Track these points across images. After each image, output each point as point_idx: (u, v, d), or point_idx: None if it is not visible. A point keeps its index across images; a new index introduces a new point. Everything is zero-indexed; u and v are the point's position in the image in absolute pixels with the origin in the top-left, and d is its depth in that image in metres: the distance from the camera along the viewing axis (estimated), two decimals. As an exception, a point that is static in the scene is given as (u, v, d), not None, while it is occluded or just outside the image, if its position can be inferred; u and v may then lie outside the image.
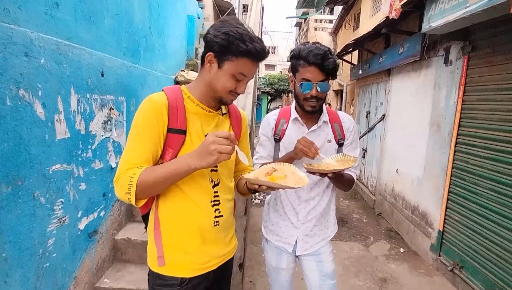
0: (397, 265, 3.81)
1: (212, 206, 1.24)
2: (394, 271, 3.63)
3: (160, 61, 3.89)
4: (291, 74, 1.57)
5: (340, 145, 1.64)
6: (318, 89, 1.45)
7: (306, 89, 1.46)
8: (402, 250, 4.21)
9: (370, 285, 3.30)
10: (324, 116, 1.62)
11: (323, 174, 1.37)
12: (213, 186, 1.25)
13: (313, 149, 1.38)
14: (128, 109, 2.90)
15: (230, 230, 1.38)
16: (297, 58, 1.48)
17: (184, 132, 1.15)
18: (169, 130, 1.13)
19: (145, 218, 1.33)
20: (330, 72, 1.46)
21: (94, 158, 2.39)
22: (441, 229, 3.61)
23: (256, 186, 1.15)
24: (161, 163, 1.15)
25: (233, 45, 1.07)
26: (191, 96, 1.20)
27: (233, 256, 1.43)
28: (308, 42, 1.50)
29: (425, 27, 3.32)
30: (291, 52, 1.53)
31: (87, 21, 2.23)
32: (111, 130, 2.61)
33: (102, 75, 2.41)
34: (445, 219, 3.58)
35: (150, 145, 1.12)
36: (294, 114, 1.63)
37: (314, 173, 1.38)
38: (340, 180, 1.57)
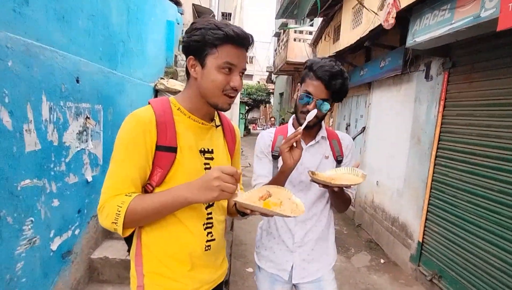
0: (378, 276, 3.81)
1: (205, 229, 1.13)
2: (376, 282, 3.63)
3: (139, 67, 3.72)
4: (298, 83, 1.50)
5: (339, 162, 1.56)
6: (317, 105, 1.38)
7: (304, 102, 1.40)
8: (382, 261, 4.23)
9: (354, 299, 3.27)
10: (323, 132, 1.55)
11: (326, 186, 1.28)
12: (207, 207, 1.13)
13: (295, 137, 1.24)
14: (105, 119, 2.73)
15: (221, 252, 1.27)
16: (308, 68, 1.43)
17: (174, 150, 1.03)
18: (158, 148, 1.02)
19: (128, 241, 1.19)
20: (335, 93, 1.39)
21: (68, 172, 2.21)
22: (420, 240, 3.65)
23: (248, 211, 1.03)
24: (149, 184, 1.04)
25: (207, 36, 0.98)
26: (181, 107, 1.08)
27: (224, 279, 1.31)
28: (327, 58, 1.43)
29: (410, 42, 3.37)
30: (305, 62, 1.49)
31: (59, 20, 2.06)
32: (87, 141, 2.43)
33: (78, 81, 2.25)
34: (424, 230, 3.63)
35: (138, 167, 1.00)
36: (292, 130, 1.54)
37: (318, 183, 1.30)
38: (340, 198, 1.47)
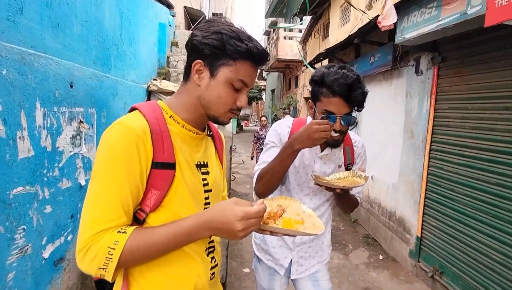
0: (377, 273, 3.82)
1: (207, 254, 0.98)
2: (375, 280, 3.64)
3: (132, 70, 3.71)
4: (310, 100, 1.41)
5: (348, 170, 1.54)
6: (342, 123, 1.29)
7: None
8: (381, 257, 4.25)
9: (354, 295, 3.28)
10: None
11: (330, 189, 1.28)
12: None
13: (329, 127, 1.21)
14: (98, 122, 2.71)
15: (219, 279, 1.12)
16: (319, 84, 1.30)
17: (173, 166, 0.87)
18: (155, 165, 0.84)
19: (103, 285, 0.94)
20: (357, 104, 1.29)
21: (62, 177, 2.18)
22: (419, 235, 3.67)
23: (268, 233, 0.88)
24: (140, 209, 0.85)
25: (229, 45, 0.84)
26: (174, 115, 0.92)
27: None
28: (334, 65, 1.31)
29: (398, 39, 3.41)
30: (313, 76, 1.34)
31: (54, 28, 2.05)
32: (80, 145, 2.41)
33: (71, 86, 2.23)
34: (422, 225, 3.65)
35: (131, 190, 0.81)
36: None
37: (321, 186, 1.29)
38: (346, 200, 1.47)
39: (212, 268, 1.00)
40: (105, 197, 0.79)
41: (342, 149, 1.52)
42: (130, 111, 0.90)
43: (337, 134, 1.31)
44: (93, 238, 0.76)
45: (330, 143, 1.40)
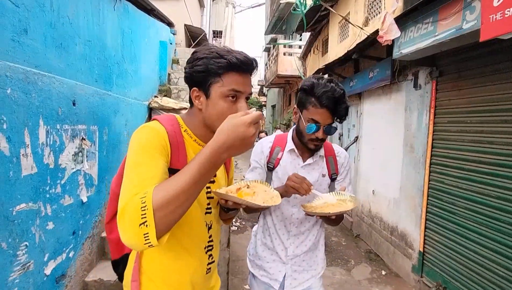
0: (380, 288, 3.76)
1: (206, 252, 1.12)
2: (378, 296, 3.58)
3: (133, 87, 3.77)
4: (296, 106, 1.50)
5: (333, 180, 1.60)
6: (325, 132, 1.41)
7: (312, 131, 1.40)
8: (383, 272, 4.19)
9: (357, 312, 3.22)
10: (321, 151, 1.57)
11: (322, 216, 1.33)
12: (208, 230, 1.11)
13: (305, 185, 1.31)
14: (100, 139, 2.74)
15: (216, 271, 1.26)
16: (308, 93, 1.40)
17: None
18: (170, 171, 0.93)
19: (117, 266, 1.12)
20: (340, 117, 1.41)
21: (64, 194, 2.20)
22: (421, 250, 3.64)
23: (223, 201, 0.99)
24: None
25: (210, 65, 0.95)
26: (188, 130, 1.05)
27: None
28: (323, 77, 1.41)
29: (396, 54, 3.46)
30: (303, 84, 1.44)
31: (57, 47, 2.12)
32: (82, 162, 2.43)
33: (74, 104, 2.27)
34: (424, 239, 3.61)
35: (164, 168, 0.90)
36: (290, 144, 1.56)
37: (312, 215, 1.34)
38: (330, 219, 1.47)
39: (209, 264, 1.13)
40: (143, 171, 0.86)
41: (325, 159, 1.58)
42: None
43: (318, 141, 1.43)
44: (130, 198, 0.80)
45: (310, 148, 1.49)
